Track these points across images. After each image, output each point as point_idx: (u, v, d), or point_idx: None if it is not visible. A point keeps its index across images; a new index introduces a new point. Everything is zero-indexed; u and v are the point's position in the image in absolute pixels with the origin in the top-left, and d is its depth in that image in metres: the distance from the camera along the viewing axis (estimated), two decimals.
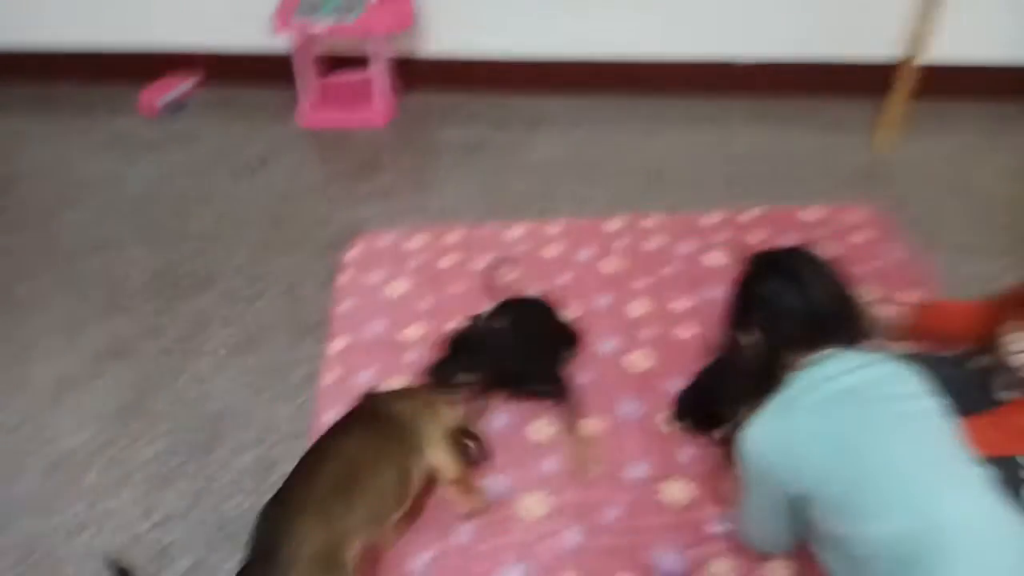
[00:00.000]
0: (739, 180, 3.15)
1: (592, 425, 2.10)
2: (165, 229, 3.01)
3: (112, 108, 3.81)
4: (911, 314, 2.13)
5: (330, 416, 1.90)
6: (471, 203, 3.08)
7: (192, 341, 2.50)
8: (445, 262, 2.70)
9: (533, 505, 1.92)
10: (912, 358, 1.74)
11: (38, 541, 1.93)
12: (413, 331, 2.43)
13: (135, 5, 3.80)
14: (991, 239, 2.78)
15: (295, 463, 1.69)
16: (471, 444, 1.96)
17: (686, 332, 2.38)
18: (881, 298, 2.40)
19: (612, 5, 3.51)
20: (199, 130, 3.66)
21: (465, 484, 1.85)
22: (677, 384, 2.17)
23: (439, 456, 1.82)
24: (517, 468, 2.01)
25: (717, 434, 2.01)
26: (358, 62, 3.71)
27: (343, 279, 2.66)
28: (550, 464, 2.02)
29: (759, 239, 2.75)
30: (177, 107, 3.80)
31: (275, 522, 1.56)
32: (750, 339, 1.59)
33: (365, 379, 2.26)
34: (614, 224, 2.85)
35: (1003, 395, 1.80)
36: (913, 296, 2.46)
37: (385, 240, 2.83)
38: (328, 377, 2.30)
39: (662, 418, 2.12)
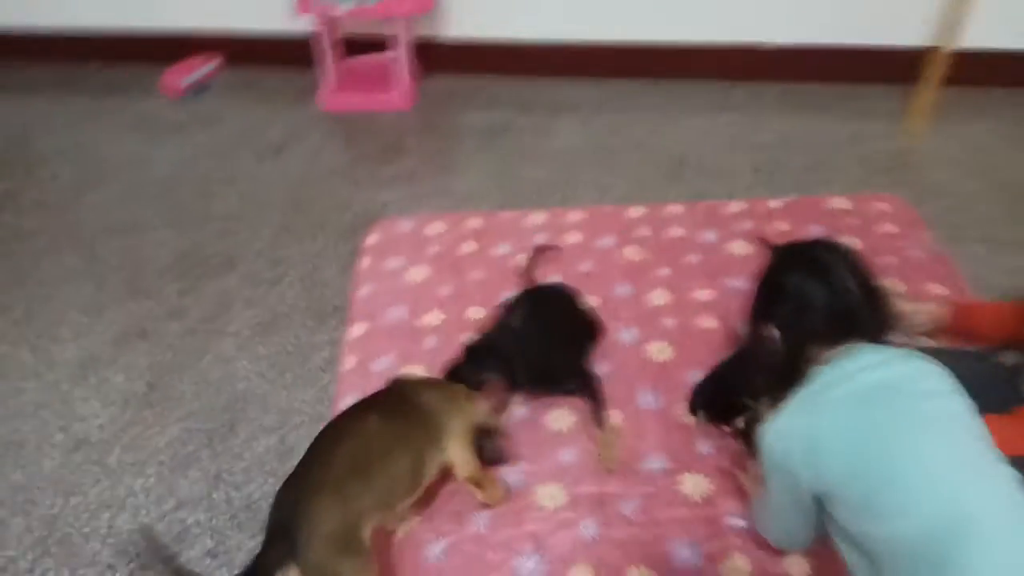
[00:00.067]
0: (765, 168, 3.11)
1: (612, 416, 2.08)
2: (189, 211, 3.03)
3: (137, 90, 3.83)
4: (941, 313, 2.09)
5: (349, 401, 1.90)
6: (493, 188, 3.07)
7: (215, 322, 2.52)
8: (465, 248, 2.69)
9: (550, 495, 1.91)
10: (938, 353, 1.71)
11: (60, 520, 1.96)
12: (433, 317, 2.42)
13: None
14: (1022, 232, 2.72)
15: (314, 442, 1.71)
16: (494, 442, 1.96)
17: (708, 322, 2.36)
18: (908, 292, 2.37)
19: None
20: (222, 112, 3.67)
21: (481, 481, 1.85)
22: (697, 375, 2.15)
23: (457, 452, 1.81)
24: (535, 458, 2.00)
25: (737, 424, 2.00)
26: (380, 45, 3.70)
27: (363, 264, 2.66)
28: (568, 454, 2.01)
29: (783, 229, 2.71)
30: (201, 89, 3.82)
31: (292, 502, 1.57)
32: (774, 332, 1.57)
33: (384, 365, 2.26)
34: (636, 212, 2.83)
35: None
36: (939, 290, 2.43)
37: (405, 226, 2.82)
38: (348, 362, 2.30)
39: (682, 409, 2.11)
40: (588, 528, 1.84)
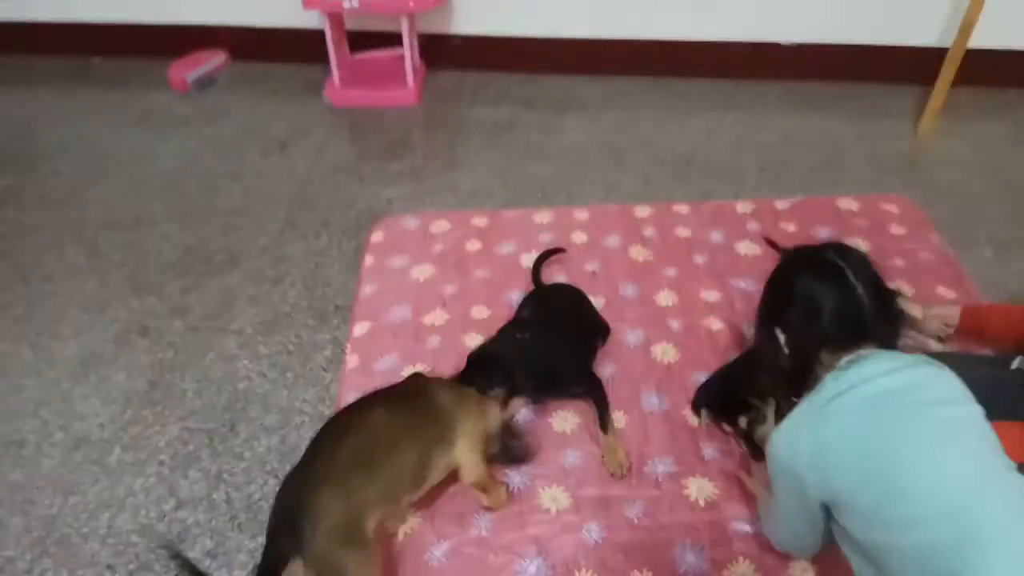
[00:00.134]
0: (773, 167, 3.09)
1: (616, 419, 2.06)
2: (193, 206, 3.01)
3: (142, 83, 3.81)
4: (953, 317, 2.07)
5: (350, 401, 1.88)
6: (498, 185, 3.05)
7: (218, 320, 2.50)
8: (470, 247, 2.66)
9: (552, 498, 1.89)
10: (950, 358, 1.69)
11: (59, 520, 1.94)
12: (437, 316, 2.40)
13: None
14: None
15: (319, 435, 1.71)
16: (514, 443, 1.95)
17: (714, 324, 2.34)
18: (917, 295, 2.34)
19: None
20: (229, 106, 3.65)
21: (487, 486, 1.83)
22: (703, 378, 2.14)
23: (466, 454, 1.80)
24: (539, 460, 1.98)
25: (739, 424, 1.98)
26: (386, 40, 3.68)
27: (368, 262, 2.64)
28: (572, 457, 1.99)
29: (791, 229, 2.68)
30: (207, 82, 3.80)
31: (296, 494, 1.58)
32: (784, 336, 1.55)
33: (387, 364, 2.25)
34: (642, 211, 2.80)
35: None
36: (948, 293, 2.40)
37: (410, 224, 2.80)
38: (350, 361, 2.28)
39: (687, 412, 2.09)
40: (591, 532, 1.83)
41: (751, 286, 2.44)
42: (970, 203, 2.85)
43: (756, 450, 1.93)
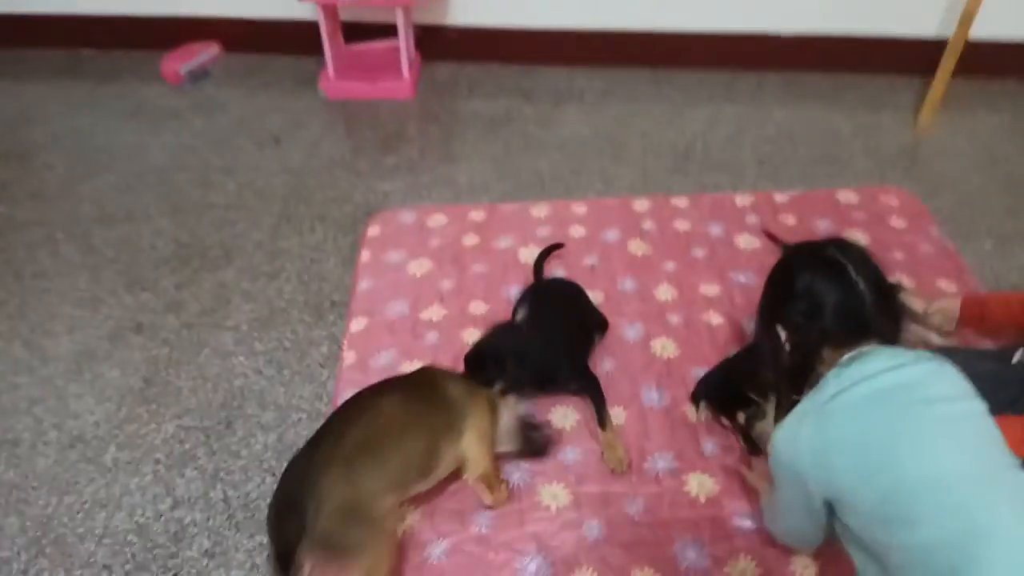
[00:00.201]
0: (772, 160, 3.07)
1: (615, 415, 2.05)
2: (187, 201, 2.98)
3: (135, 76, 3.77)
4: (955, 311, 2.05)
5: (349, 397, 1.87)
6: (496, 178, 3.02)
7: (213, 316, 2.47)
8: (467, 241, 2.64)
9: (553, 495, 1.88)
10: (953, 352, 1.67)
11: (54, 520, 1.92)
12: (434, 312, 2.38)
13: None
14: None
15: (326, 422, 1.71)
16: (535, 434, 1.95)
17: (714, 319, 2.32)
18: (919, 288, 2.34)
19: None
20: (222, 99, 3.62)
21: (492, 482, 1.82)
22: (702, 372, 2.12)
23: (473, 447, 1.79)
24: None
25: (738, 418, 1.97)
26: (382, 32, 3.64)
27: (364, 257, 2.62)
28: (572, 453, 1.97)
29: (790, 223, 2.67)
30: (201, 75, 3.76)
31: (302, 476, 1.57)
32: (785, 333, 1.53)
33: (385, 360, 2.23)
34: (641, 205, 2.78)
35: None
36: (948, 286, 2.39)
37: (406, 218, 2.78)
38: (347, 357, 2.26)
39: (687, 407, 2.08)
40: (592, 529, 1.82)
41: (751, 280, 2.42)
42: (970, 195, 2.83)
43: (753, 446, 1.93)
